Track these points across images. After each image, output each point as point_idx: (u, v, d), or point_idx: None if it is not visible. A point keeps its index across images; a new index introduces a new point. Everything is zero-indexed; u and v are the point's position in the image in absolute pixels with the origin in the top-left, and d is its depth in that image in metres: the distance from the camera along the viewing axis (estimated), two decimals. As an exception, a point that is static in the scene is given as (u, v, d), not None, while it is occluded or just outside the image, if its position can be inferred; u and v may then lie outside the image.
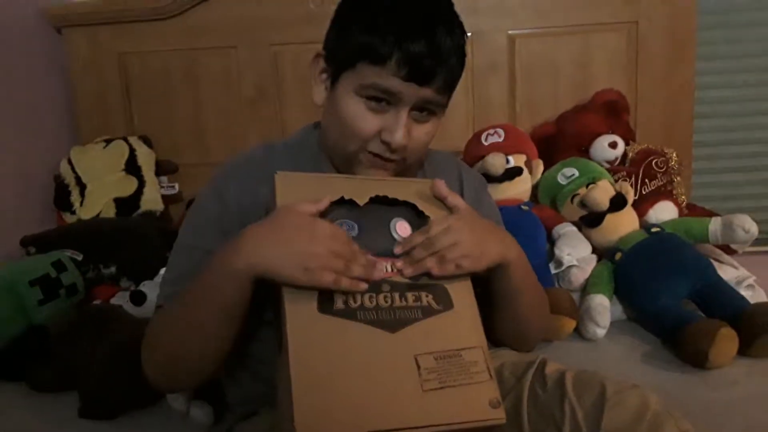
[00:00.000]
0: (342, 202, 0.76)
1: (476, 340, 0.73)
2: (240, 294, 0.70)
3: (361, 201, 0.77)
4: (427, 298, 0.74)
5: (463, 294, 0.76)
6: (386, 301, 0.72)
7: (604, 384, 0.75)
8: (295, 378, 0.64)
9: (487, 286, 0.82)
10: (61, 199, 1.68)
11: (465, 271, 0.74)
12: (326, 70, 0.84)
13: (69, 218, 1.68)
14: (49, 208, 1.72)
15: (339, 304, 0.70)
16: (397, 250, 0.76)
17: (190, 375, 0.79)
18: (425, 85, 0.77)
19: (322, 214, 0.74)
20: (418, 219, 0.80)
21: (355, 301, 0.70)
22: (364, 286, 0.71)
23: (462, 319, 0.74)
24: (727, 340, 1.08)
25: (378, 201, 0.78)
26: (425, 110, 0.81)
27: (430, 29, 0.76)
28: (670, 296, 1.22)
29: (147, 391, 1.11)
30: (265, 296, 0.74)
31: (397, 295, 0.73)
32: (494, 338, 0.90)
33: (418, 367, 0.68)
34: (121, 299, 1.34)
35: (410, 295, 0.74)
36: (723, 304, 1.19)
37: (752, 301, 1.21)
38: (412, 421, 0.65)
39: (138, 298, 1.27)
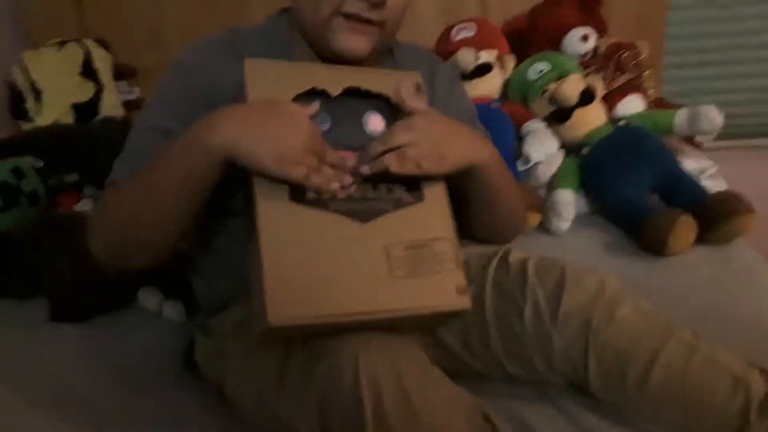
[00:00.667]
0: (314, 93, 0.75)
1: (446, 231, 0.74)
2: (209, 170, 0.69)
3: (334, 92, 0.76)
4: (399, 191, 0.75)
5: (434, 187, 0.76)
6: (358, 192, 0.72)
7: (564, 268, 0.77)
8: (266, 265, 0.65)
9: (460, 186, 0.81)
10: (16, 106, 1.60)
11: (425, 172, 0.73)
12: None
13: (26, 126, 1.60)
14: (5, 117, 1.65)
15: (311, 194, 0.70)
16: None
17: (142, 252, 0.77)
18: None
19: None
20: (392, 113, 0.79)
21: (327, 192, 0.70)
22: (335, 185, 0.70)
23: (432, 212, 0.75)
24: (685, 227, 1.11)
25: (351, 93, 0.77)
26: None
27: None
28: (633, 188, 1.24)
29: (118, 294, 1.15)
30: (233, 186, 0.73)
31: (369, 187, 0.73)
32: (471, 235, 0.91)
33: (388, 256, 0.70)
34: (85, 206, 1.32)
35: (382, 188, 0.74)
36: (684, 193, 1.22)
37: (714, 190, 1.23)
38: (380, 306, 0.67)
39: (102, 204, 1.24)
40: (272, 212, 0.68)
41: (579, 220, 1.27)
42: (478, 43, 1.48)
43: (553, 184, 1.31)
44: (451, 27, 1.53)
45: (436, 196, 0.76)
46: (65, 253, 1.13)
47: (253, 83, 0.73)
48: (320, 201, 0.70)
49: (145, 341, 1.04)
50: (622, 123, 1.33)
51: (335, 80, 0.77)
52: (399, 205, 0.74)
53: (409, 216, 0.74)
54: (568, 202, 1.24)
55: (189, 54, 0.85)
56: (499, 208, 0.88)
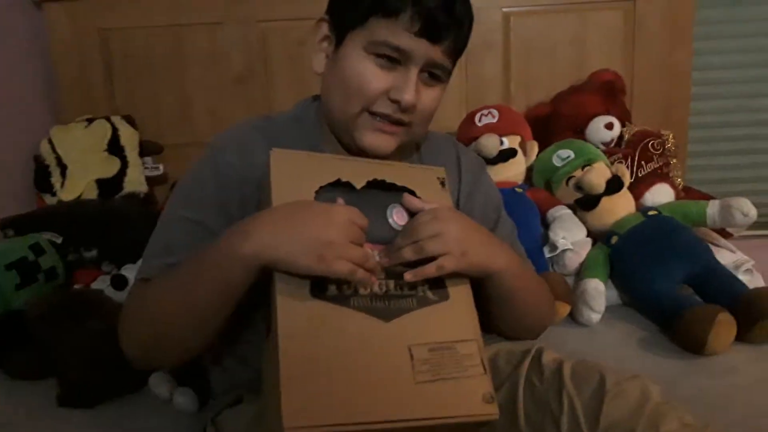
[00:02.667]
0: (338, 185, 0.73)
1: (471, 332, 0.71)
2: (244, 279, 0.67)
3: (358, 184, 0.74)
4: (422, 288, 0.72)
5: (459, 285, 0.74)
6: (381, 289, 0.70)
7: (604, 374, 0.72)
8: (283, 364, 0.61)
9: (478, 286, 0.79)
10: (41, 180, 1.63)
11: (445, 271, 0.71)
12: (328, 37, 0.82)
13: (50, 200, 1.62)
14: (30, 191, 1.67)
15: (332, 289, 0.67)
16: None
17: (174, 353, 0.76)
18: (437, 42, 0.76)
19: (316, 197, 0.71)
20: None
21: (348, 288, 0.68)
22: (375, 280, 0.69)
23: (457, 311, 0.72)
24: (725, 325, 1.06)
25: (376, 186, 0.76)
26: (432, 74, 0.79)
27: None
28: (666, 281, 1.20)
29: (129, 379, 1.10)
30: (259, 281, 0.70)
31: (392, 283, 0.71)
32: (495, 330, 0.88)
33: (412, 358, 0.66)
34: (102, 283, 1.30)
35: (405, 284, 0.71)
36: (721, 289, 1.17)
37: (750, 286, 1.19)
38: (403, 414, 0.63)
39: (119, 282, 1.23)
40: (292, 308, 0.65)
41: (610, 312, 1.23)
42: (501, 128, 1.49)
43: (581, 273, 1.27)
44: (474, 112, 1.55)
45: (461, 295, 0.74)
46: (80, 332, 1.10)
47: (277, 173, 0.71)
48: (342, 297, 0.67)
49: (154, 429, 0.99)
50: (651, 213, 1.30)
51: (360, 172, 0.76)
52: (423, 303, 0.71)
53: (433, 315, 0.71)
54: (599, 293, 1.19)
55: (222, 141, 0.84)
56: (522, 309, 0.85)
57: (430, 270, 0.71)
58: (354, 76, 0.78)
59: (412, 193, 0.77)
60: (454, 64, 0.81)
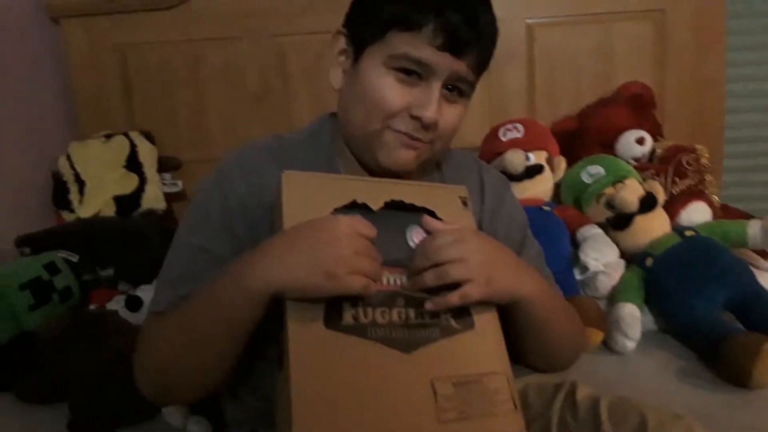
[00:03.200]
0: (353, 206, 0.69)
1: (500, 365, 0.66)
2: (254, 313, 0.64)
3: (376, 205, 0.70)
4: (445, 316, 0.67)
5: (485, 312, 0.69)
6: (400, 318, 0.65)
7: (645, 414, 0.67)
8: (295, 399, 0.57)
9: (505, 314, 0.74)
10: (60, 197, 1.61)
11: (469, 300, 0.67)
12: (346, 51, 0.79)
13: (68, 217, 1.61)
14: (48, 207, 1.65)
15: (348, 319, 0.63)
16: None
17: (187, 389, 0.73)
18: (460, 57, 0.72)
19: None
20: None
21: (366, 317, 0.64)
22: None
23: (484, 341, 0.68)
24: (772, 356, 0.98)
25: (394, 206, 0.71)
26: (455, 90, 0.76)
27: (468, 2, 0.73)
28: (706, 306, 1.13)
29: (141, 405, 1.06)
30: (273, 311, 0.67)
31: (412, 311, 0.66)
32: (523, 361, 0.83)
33: (435, 393, 0.61)
34: (117, 304, 1.27)
35: (427, 312, 0.67)
36: (765, 315, 1.09)
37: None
38: None
39: (134, 304, 1.20)
40: (304, 339, 0.61)
41: (646, 339, 1.16)
42: (526, 143, 1.45)
43: (614, 297, 1.21)
44: (498, 127, 1.51)
45: (488, 323, 0.69)
46: (93, 356, 1.07)
47: (289, 196, 0.68)
48: (358, 327, 0.63)
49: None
50: (688, 233, 1.24)
51: (377, 193, 0.72)
52: (446, 333, 0.66)
53: (458, 346, 0.66)
54: (635, 318, 1.13)
55: (229, 164, 0.81)
56: (551, 338, 0.80)
57: (453, 299, 0.66)
58: (373, 92, 0.74)
59: (432, 213, 0.73)
60: (478, 78, 0.78)
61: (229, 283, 0.65)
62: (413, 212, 0.73)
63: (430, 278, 0.67)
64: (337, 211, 0.68)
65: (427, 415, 0.60)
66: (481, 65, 0.76)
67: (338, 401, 0.58)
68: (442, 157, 0.88)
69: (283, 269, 0.62)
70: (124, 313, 1.21)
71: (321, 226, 0.64)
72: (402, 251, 0.70)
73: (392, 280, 0.68)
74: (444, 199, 0.75)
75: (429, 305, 0.66)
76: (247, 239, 0.73)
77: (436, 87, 0.73)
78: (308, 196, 0.68)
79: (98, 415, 1.03)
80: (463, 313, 0.68)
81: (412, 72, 0.73)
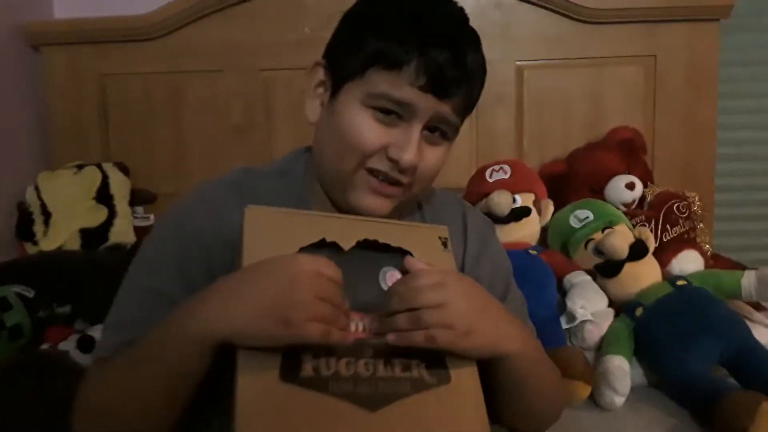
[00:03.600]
0: (322, 245, 0.63)
1: (477, 426, 0.59)
2: (197, 362, 0.57)
3: (347, 245, 0.64)
4: (418, 368, 0.60)
5: (464, 366, 0.62)
6: (367, 370, 0.58)
7: None
8: None
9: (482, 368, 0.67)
10: (24, 228, 1.53)
11: (438, 345, 0.59)
12: (324, 83, 0.73)
13: (31, 249, 1.53)
14: (12, 239, 1.57)
15: (308, 370, 0.56)
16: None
17: None
18: (444, 98, 0.68)
19: None
20: None
21: (328, 368, 0.57)
22: (351, 336, 0.58)
23: (461, 398, 0.60)
24: (769, 416, 0.91)
25: (367, 246, 0.65)
26: (437, 131, 0.71)
27: (455, 40, 0.68)
28: (699, 361, 1.07)
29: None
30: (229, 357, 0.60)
31: (381, 363, 0.59)
32: (497, 422, 0.74)
33: None
34: (70, 344, 1.18)
35: (397, 364, 0.60)
36: (761, 371, 1.04)
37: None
38: None
39: (86, 345, 1.11)
40: (255, 393, 0.54)
41: (635, 394, 1.08)
42: (513, 185, 1.40)
43: (602, 348, 1.14)
44: (485, 168, 1.46)
45: (466, 378, 0.62)
46: (38, 400, 0.99)
47: (251, 233, 0.62)
48: (319, 380, 0.56)
49: None
50: (680, 282, 1.18)
51: (348, 231, 0.65)
52: (418, 387, 0.59)
53: (431, 402, 0.59)
54: (624, 372, 1.06)
55: (188, 200, 0.76)
56: (533, 398, 0.73)
57: (417, 338, 0.59)
58: (349, 130, 0.69)
59: (409, 255, 0.66)
60: (462, 120, 0.72)
61: (169, 331, 0.58)
62: (388, 253, 0.66)
63: (401, 322, 0.60)
64: (303, 250, 0.62)
65: None
66: (467, 107, 0.71)
67: None
68: (423, 196, 0.82)
69: (229, 315, 0.55)
70: (76, 354, 1.12)
71: (278, 266, 0.58)
72: (374, 295, 0.64)
73: (361, 326, 0.61)
74: (422, 239, 0.69)
75: (391, 337, 0.59)
76: (205, 282, 0.66)
77: (416, 129, 0.68)
78: (273, 233, 0.62)
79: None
80: (438, 365, 0.61)
81: (392, 112, 0.68)
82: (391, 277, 0.66)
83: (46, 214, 1.53)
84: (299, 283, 0.55)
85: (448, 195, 0.88)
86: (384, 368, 0.59)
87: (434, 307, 0.59)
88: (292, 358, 0.56)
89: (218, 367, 0.58)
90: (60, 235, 1.50)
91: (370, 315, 0.62)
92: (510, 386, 0.69)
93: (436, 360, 0.61)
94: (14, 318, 1.17)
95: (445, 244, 0.70)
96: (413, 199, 0.78)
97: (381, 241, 0.66)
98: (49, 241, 1.50)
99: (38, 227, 1.52)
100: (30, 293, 1.24)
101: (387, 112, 0.68)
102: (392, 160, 0.68)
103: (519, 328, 0.70)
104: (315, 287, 0.56)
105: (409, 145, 0.67)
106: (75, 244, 1.50)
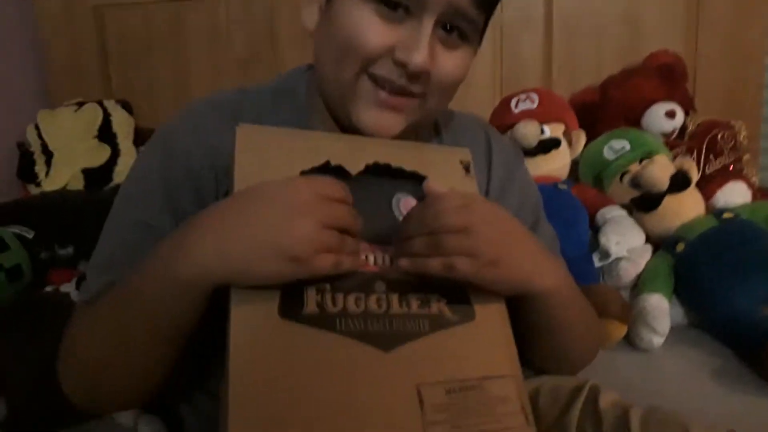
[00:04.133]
0: (326, 169, 0.57)
1: (506, 366, 0.53)
2: (190, 308, 0.52)
3: (354, 168, 0.58)
4: (438, 304, 0.54)
5: (490, 302, 0.56)
6: (379, 306, 0.53)
7: (689, 429, 0.54)
8: (234, 411, 0.44)
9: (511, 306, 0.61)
10: (25, 169, 1.50)
11: (457, 275, 0.53)
12: None
13: (34, 191, 1.51)
14: (14, 181, 1.54)
15: (311, 307, 0.50)
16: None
17: (116, 394, 0.62)
18: None
19: None
20: None
21: (335, 305, 0.51)
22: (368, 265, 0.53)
23: (487, 336, 0.54)
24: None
25: (377, 171, 0.59)
26: (455, 30, 0.61)
27: None
28: (747, 299, 0.99)
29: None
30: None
31: (395, 298, 0.53)
32: (527, 362, 0.69)
33: (421, 402, 0.49)
34: (71, 287, 1.14)
35: (414, 299, 0.54)
36: (815, 310, 0.96)
37: None
38: None
39: (85, 284, 1.07)
40: (251, 332, 0.48)
41: (674, 334, 1.02)
42: (541, 115, 1.32)
43: (639, 286, 1.08)
44: (510, 97, 1.39)
45: (493, 315, 0.56)
46: (33, 344, 0.95)
47: (243, 156, 0.55)
48: (324, 318, 0.50)
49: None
50: (727, 215, 1.11)
51: (356, 153, 0.59)
52: (438, 325, 0.54)
53: (452, 342, 0.53)
54: (662, 311, 1.00)
55: (175, 123, 0.69)
56: (566, 340, 0.67)
57: (433, 265, 0.52)
58: (348, 30, 0.59)
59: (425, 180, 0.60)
60: (486, 18, 0.62)
61: (157, 269, 0.52)
62: (402, 179, 0.60)
63: (417, 246, 0.53)
64: (304, 173, 0.56)
65: (410, 429, 0.47)
66: (488, 1, 0.61)
67: (292, 414, 0.45)
68: (442, 118, 0.74)
69: (225, 254, 0.49)
70: (76, 295, 1.08)
71: (276, 191, 0.51)
72: (387, 226, 0.57)
73: (372, 259, 0.55)
74: (441, 163, 0.62)
75: (404, 262, 0.53)
76: (195, 212, 0.60)
77: (427, 24, 0.58)
78: (268, 154, 0.56)
79: (36, 413, 0.91)
80: (461, 300, 0.55)
81: (398, 5, 0.58)
82: (405, 204, 0.60)
83: (48, 154, 1.50)
84: (301, 210, 0.49)
85: (470, 118, 0.80)
86: (399, 304, 0.53)
87: (456, 232, 0.52)
88: (292, 293, 0.50)
89: (218, 313, 0.52)
90: (62, 176, 1.47)
91: (381, 248, 0.56)
92: (540, 327, 0.63)
93: (459, 295, 0.55)
94: (12, 259, 1.13)
95: (467, 169, 0.64)
96: (429, 119, 0.70)
97: (394, 164, 0.59)
98: (51, 182, 1.47)
99: (40, 168, 1.49)
100: (29, 234, 1.21)
101: (392, 6, 0.58)
102: (399, 63, 0.59)
103: (553, 263, 0.63)
104: (320, 213, 0.49)
105: (419, 44, 0.58)
106: (78, 185, 1.46)
